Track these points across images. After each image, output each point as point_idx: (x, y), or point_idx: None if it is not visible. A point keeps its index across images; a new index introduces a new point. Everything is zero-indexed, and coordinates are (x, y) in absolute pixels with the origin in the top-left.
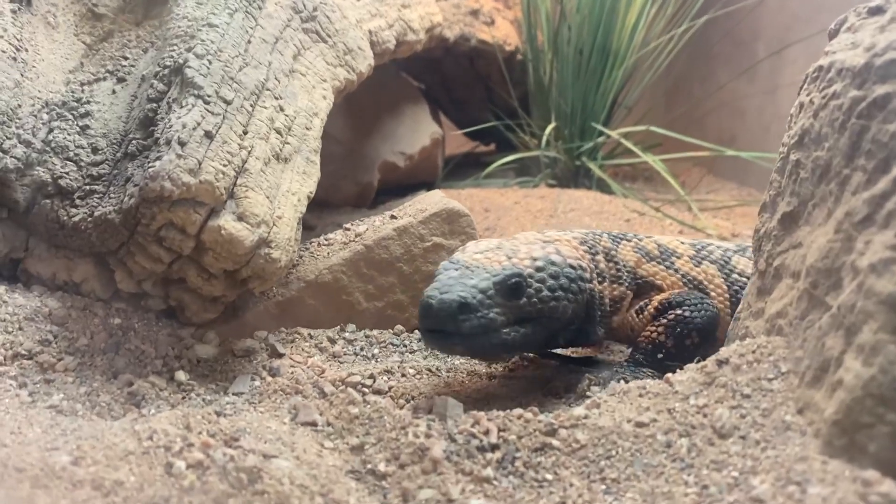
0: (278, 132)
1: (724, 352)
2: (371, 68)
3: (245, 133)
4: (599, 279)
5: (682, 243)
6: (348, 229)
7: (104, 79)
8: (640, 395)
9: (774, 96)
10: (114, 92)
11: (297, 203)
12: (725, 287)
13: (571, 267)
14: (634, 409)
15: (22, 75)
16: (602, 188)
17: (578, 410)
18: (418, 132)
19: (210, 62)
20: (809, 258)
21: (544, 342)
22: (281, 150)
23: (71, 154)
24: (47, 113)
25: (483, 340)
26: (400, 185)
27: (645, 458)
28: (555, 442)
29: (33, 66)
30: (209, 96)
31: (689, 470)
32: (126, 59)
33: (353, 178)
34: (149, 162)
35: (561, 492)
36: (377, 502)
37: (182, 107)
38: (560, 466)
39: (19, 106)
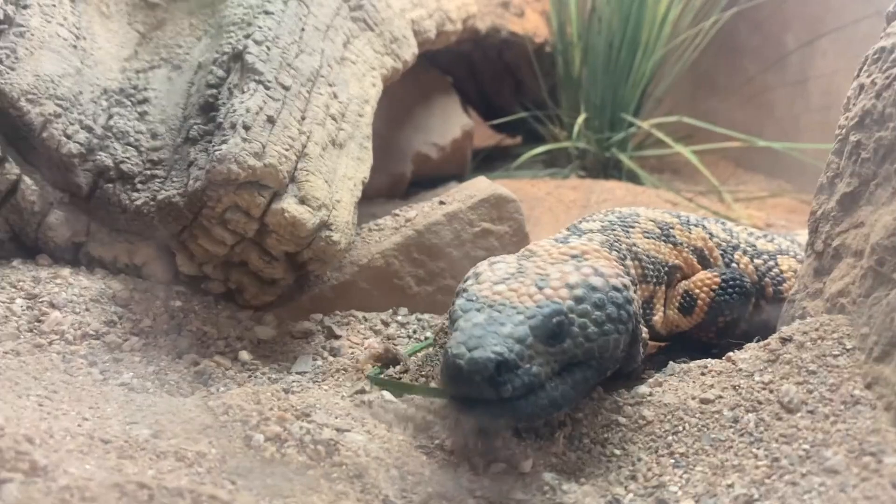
0: (333, 118)
1: (786, 330)
2: (415, 57)
3: (303, 119)
4: (635, 288)
5: (662, 213)
6: (397, 215)
7: (159, 66)
8: (703, 374)
9: (804, 88)
10: (169, 79)
11: (353, 188)
12: (717, 252)
13: (616, 289)
14: (698, 386)
15: (82, 63)
16: (632, 180)
17: (642, 388)
18: (449, 124)
19: (269, 49)
20: (874, 237)
21: (594, 387)
22: (336, 135)
23: (131, 139)
24: (106, 100)
25: (528, 403)
26: (430, 177)
27: (712, 433)
28: (621, 419)
29: (91, 55)
30: (269, 82)
31: (758, 444)
32: (180, 46)
33: (385, 169)
34: (213, 146)
35: (630, 466)
36: (449, 476)
37: (243, 92)
38: (627, 442)
39: (80, 93)
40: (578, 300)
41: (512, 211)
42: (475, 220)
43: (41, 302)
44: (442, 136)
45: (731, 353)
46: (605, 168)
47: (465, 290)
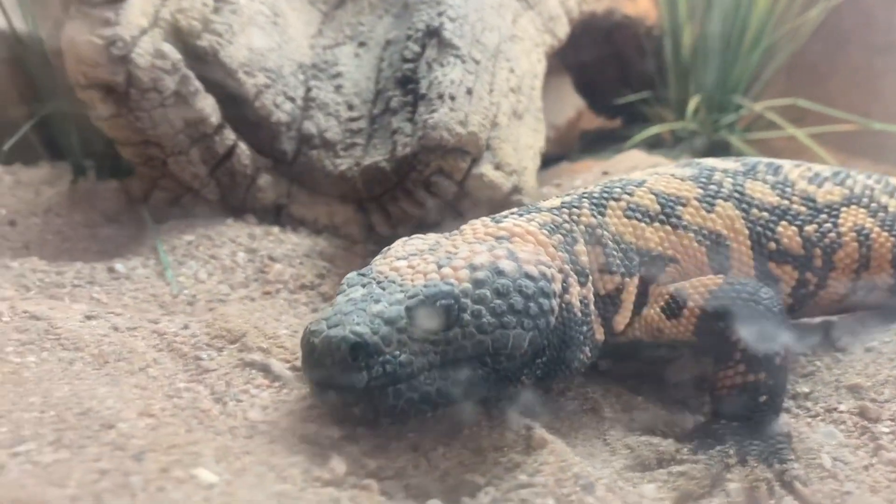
0: (513, 91)
1: None
2: (567, 35)
3: (491, 91)
4: (580, 279)
5: (682, 179)
6: (559, 185)
7: (344, 43)
8: None
9: None
10: (357, 55)
11: (533, 156)
12: (746, 231)
13: (529, 277)
14: None
15: (281, 38)
16: None
17: None
18: (563, 103)
19: (461, 25)
20: None
21: (492, 388)
22: (517, 107)
23: (331, 110)
24: (302, 73)
25: (391, 395)
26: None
27: None
28: None
29: (285, 31)
30: (465, 56)
31: None
32: (362, 24)
33: None
34: (420, 115)
35: None
36: None
37: (443, 66)
38: None
39: (282, 66)
40: (477, 284)
41: None
42: None
43: (260, 255)
44: (557, 115)
45: None
46: (713, 150)
47: (368, 265)
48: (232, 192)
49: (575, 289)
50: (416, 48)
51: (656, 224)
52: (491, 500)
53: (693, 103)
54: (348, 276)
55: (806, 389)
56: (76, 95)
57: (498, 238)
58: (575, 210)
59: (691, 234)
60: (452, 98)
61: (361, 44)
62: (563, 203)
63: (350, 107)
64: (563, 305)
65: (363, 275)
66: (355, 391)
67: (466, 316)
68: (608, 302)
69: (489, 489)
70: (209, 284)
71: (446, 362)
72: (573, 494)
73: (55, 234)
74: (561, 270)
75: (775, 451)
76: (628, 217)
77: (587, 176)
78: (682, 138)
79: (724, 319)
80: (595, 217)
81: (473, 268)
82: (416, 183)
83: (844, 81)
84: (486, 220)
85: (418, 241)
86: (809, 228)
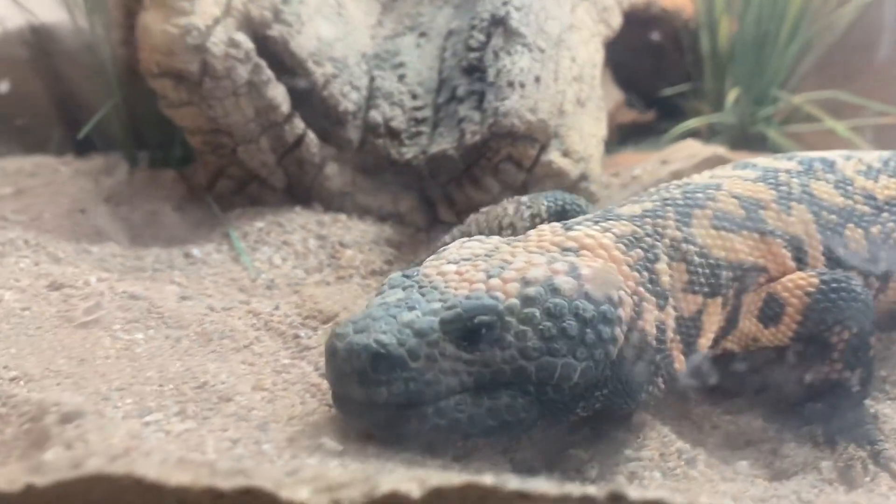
0: (575, 79)
1: None
2: (620, 26)
3: (556, 79)
4: (659, 302)
5: (753, 181)
6: (617, 174)
7: (404, 34)
8: None
9: None
10: (418, 45)
11: (597, 144)
12: (819, 237)
13: (589, 299)
14: None
15: (345, 29)
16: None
17: None
18: (605, 96)
19: (526, 14)
20: None
21: (537, 421)
22: (579, 95)
23: (395, 99)
24: (365, 63)
25: (414, 417)
26: None
27: None
28: None
29: (348, 22)
30: (531, 44)
31: None
32: (422, 15)
33: None
34: (487, 102)
35: None
36: None
37: (510, 54)
38: None
39: (347, 56)
40: (527, 301)
41: None
42: None
43: (331, 242)
44: None
45: None
46: (749, 143)
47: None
48: (298, 181)
49: (651, 314)
50: (482, 37)
51: (744, 232)
52: (597, 473)
53: (732, 95)
54: (392, 276)
55: (884, 373)
56: (136, 86)
57: (565, 249)
58: (660, 221)
59: (779, 240)
60: (522, 86)
61: (422, 34)
62: (645, 211)
63: (413, 96)
64: (635, 333)
65: (407, 276)
66: (373, 407)
67: (509, 337)
68: (690, 325)
69: (594, 464)
70: (285, 269)
71: (482, 387)
72: (678, 468)
73: (123, 222)
74: (635, 293)
75: (864, 431)
76: (716, 228)
77: (646, 165)
78: (718, 131)
79: (825, 322)
80: (681, 230)
81: (526, 282)
82: (484, 170)
83: (878, 76)
84: (557, 226)
85: (476, 245)
86: (874, 230)
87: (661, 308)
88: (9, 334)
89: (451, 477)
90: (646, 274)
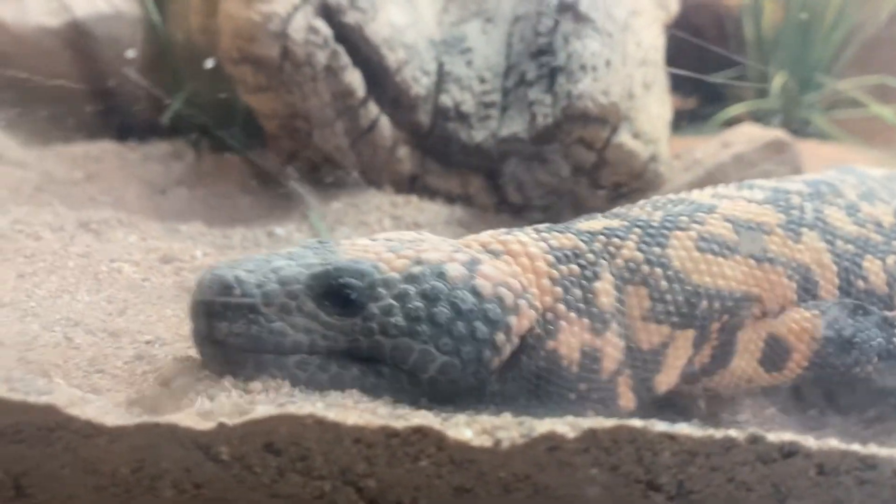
0: (641, 63)
1: None
2: (677, 11)
3: (625, 63)
4: (595, 325)
5: (760, 204)
6: (678, 156)
7: (470, 20)
8: None
9: None
10: (484, 31)
11: (663, 126)
12: (834, 268)
13: (474, 293)
14: None
15: (414, 15)
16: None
17: None
18: None
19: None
20: None
21: (409, 396)
22: (646, 78)
23: (464, 84)
24: (434, 48)
25: (253, 365)
26: None
27: None
28: None
29: (416, 8)
30: (600, 29)
31: None
32: (486, 1)
33: None
34: (559, 86)
35: None
36: None
37: (580, 38)
38: None
39: (417, 41)
40: (408, 278)
41: (792, 153)
42: (757, 161)
43: (405, 222)
44: None
45: None
46: (793, 129)
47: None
48: (371, 164)
49: (572, 337)
50: (550, 22)
51: (738, 257)
52: None
53: (778, 81)
54: (306, 240)
55: None
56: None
57: (489, 250)
58: (616, 241)
59: (780, 269)
60: (594, 69)
61: (488, 19)
62: (605, 228)
63: (481, 80)
64: (541, 352)
65: (322, 242)
66: (212, 342)
67: (374, 308)
68: (648, 359)
69: None
70: None
71: (333, 353)
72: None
73: (201, 203)
74: (550, 310)
75: None
76: (701, 251)
77: (707, 148)
78: (759, 118)
79: (837, 369)
80: (642, 251)
81: (415, 262)
82: (556, 152)
83: None
84: (504, 230)
85: (413, 234)
86: (890, 261)
87: (596, 333)
88: (135, 303)
89: (604, 420)
90: (577, 292)
